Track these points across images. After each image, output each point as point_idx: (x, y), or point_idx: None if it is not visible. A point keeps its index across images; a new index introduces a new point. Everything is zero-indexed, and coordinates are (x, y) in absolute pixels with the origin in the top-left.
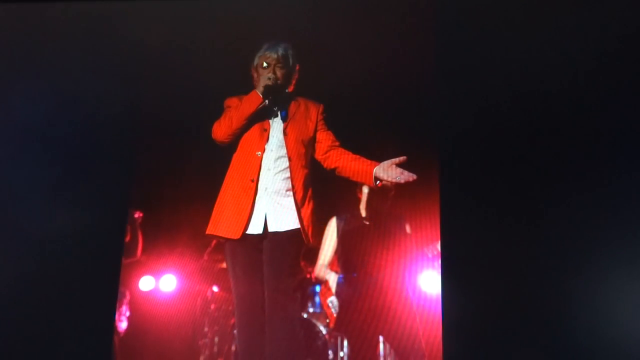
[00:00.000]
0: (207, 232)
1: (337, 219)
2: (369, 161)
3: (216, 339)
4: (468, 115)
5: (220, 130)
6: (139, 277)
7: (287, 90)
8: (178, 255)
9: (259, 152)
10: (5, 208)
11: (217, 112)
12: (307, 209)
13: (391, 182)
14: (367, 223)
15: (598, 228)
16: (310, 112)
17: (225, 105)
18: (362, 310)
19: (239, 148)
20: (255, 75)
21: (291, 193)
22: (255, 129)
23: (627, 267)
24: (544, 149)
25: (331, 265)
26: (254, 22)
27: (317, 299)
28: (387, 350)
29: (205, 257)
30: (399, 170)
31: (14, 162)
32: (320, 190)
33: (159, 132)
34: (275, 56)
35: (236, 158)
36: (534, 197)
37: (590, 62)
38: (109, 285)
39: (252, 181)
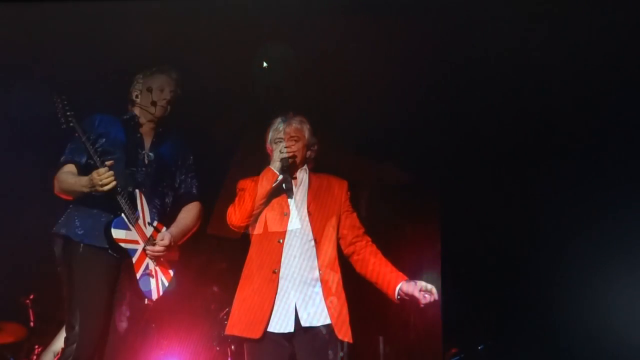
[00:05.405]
0: (226, 332)
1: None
2: (395, 272)
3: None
4: (468, 116)
5: (236, 215)
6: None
7: (305, 165)
8: (178, 256)
9: (281, 240)
10: (5, 208)
11: (217, 112)
12: (339, 298)
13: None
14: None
15: (599, 230)
16: (334, 190)
17: (238, 189)
18: (363, 311)
19: (255, 232)
20: (270, 150)
21: (319, 282)
22: (274, 213)
23: (628, 268)
24: (544, 151)
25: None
26: (254, 22)
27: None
28: (387, 350)
29: (206, 257)
30: (422, 294)
31: (14, 162)
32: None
33: None
34: (289, 129)
35: (255, 245)
36: (534, 198)
37: (593, 63)
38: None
39: (275, 272)
